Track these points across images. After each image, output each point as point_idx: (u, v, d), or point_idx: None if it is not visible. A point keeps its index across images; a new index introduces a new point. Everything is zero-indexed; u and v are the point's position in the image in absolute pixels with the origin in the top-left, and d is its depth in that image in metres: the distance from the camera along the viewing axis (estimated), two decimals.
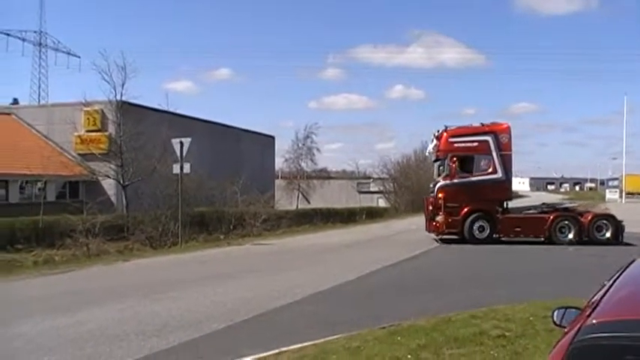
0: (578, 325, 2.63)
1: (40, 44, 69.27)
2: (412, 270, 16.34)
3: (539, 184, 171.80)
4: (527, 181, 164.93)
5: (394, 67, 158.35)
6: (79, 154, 32.61)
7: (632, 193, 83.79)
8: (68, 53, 69.22)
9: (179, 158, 21.82)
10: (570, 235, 22.10)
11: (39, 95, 68.62)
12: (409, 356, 6.99)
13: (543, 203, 26.47)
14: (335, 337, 8.10)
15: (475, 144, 22.69)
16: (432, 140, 24.79)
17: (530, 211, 24.13)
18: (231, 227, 27.48)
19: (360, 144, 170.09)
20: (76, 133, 32.32)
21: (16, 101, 44.85)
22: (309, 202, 53.18)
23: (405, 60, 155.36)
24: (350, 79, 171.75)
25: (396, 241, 24.77)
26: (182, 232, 22.71)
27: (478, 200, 22.33)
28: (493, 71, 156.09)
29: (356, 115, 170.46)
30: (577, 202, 46.46)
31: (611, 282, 3.24)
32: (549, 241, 21.92)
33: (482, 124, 23.48)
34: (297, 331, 8.72)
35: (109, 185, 31.25)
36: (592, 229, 22.22)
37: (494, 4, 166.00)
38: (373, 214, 44.79)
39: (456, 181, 22.40)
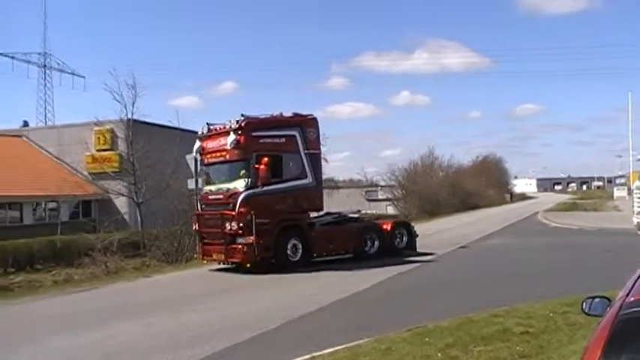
0: (619, 303, 3.08)
1: (45, 66, 69.61)
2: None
3: (546, 184, 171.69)
4: (534, 182, 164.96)
5: (399, 74, 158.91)
6: (91, 174, 32.96)
7: None
8: (72, 74, 69.55)
9: (193, 173, 22.02)
10: (375, 247, 19.62)
11: (45, 117, 68.93)
12: (439, 354, 7.24)
13: (327, 213, 20.71)
14: (364, 340, 8.31)
15: (282, 140, 17.93)
16: (208, 133, 18.51)
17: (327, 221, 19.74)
18: None
19: (365, 152, 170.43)
20: (87, 153, 32.70)
21: (26, 123, 45.46)
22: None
23: (409, 66, 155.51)
24: (354, 88, 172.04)
25: None
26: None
27: (289, 213, 17.80)
28: (497, 73, 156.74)
29: (361, 123, 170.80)
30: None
31: None
32: (356, 256, 19.07)
33: (282, 114, 18.77)
34: (326, 337, 8.93)
35: (121, 203, 31.61)
36: (392, 238, 20.16)
37: (496, 5, 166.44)
38: None
39: (267, 189, 17.08)
